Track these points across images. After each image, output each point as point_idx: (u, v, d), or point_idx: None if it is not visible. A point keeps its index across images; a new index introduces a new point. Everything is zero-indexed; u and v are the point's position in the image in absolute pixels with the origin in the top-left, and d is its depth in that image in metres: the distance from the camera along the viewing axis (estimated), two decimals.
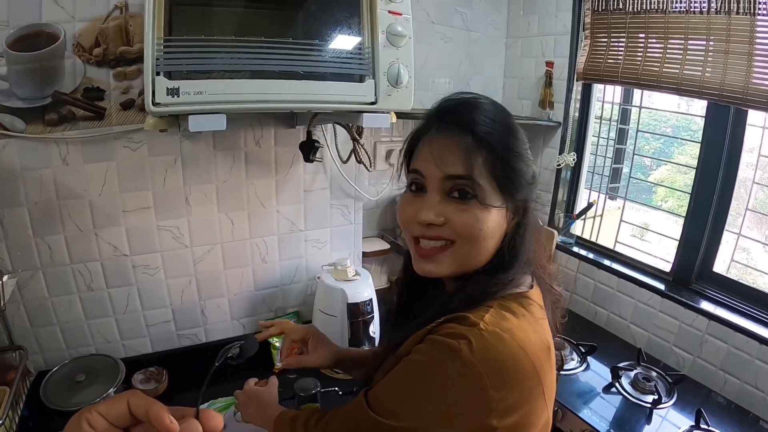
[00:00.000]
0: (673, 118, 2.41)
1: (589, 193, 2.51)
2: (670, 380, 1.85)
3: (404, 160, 0.99)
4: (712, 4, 1.74)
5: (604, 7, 2.11)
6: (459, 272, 0.93)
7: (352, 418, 0.92)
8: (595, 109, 2.40)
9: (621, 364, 1.91)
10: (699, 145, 1.99)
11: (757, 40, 1.66)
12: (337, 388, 1.67)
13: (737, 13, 1.68)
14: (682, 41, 1.86)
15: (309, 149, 1.74)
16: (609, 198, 2.46)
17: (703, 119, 1.96)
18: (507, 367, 0.77)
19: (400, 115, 1.45)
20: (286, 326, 1.44)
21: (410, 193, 0.95)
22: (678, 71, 1.87)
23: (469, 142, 0.87)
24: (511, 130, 0.92)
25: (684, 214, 2.07)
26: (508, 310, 0.85)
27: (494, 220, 0.88)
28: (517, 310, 0.86)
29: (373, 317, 1.84)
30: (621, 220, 2.39)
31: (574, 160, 2.38)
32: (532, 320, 0.87)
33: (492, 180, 0.88)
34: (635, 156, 2.35)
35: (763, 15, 1.63)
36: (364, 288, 1.82)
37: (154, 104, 1.10)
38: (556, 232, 2.35)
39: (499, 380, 0.76)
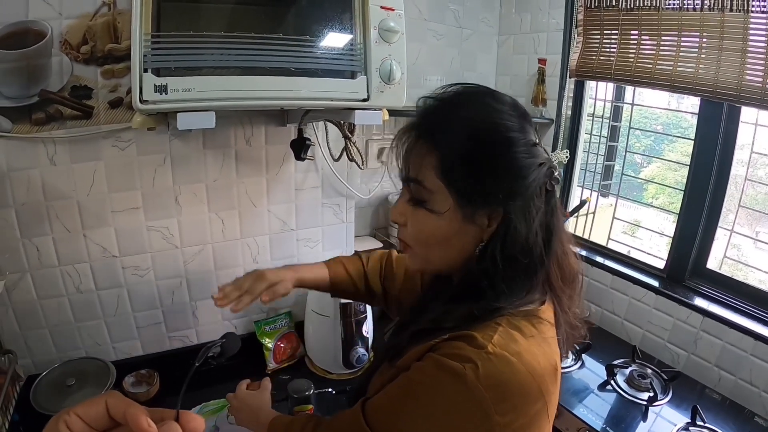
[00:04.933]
0: (664, 115, 2.41)
1: (582, 190, 2.50)
2: (665, 377, 1.85)
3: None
4: (706, 1, 1.74)
5: (596, 4, 2.11)
6: (430, 270, 0.97)
7: (347, 429, 0.91)
8: (587, 106, 2.40)
9: (616, 362, 1.91)
10: (689, 141, 2.00)
11: (751, 37, 1.66)
12: (330, 389, 1.66)
13: (731, 9, 1.69)
14: (676, 38, 1.86)
15: (300, 147, 1.72)
16: (601, 195, 2.46)
17: (696, 116, 1.96)
18: (514, 393, 0.75)
19: (393, 112, 1.44)
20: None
21: None
22: (671, 68, 1.87)
23: (412, 143, 0.88)
24: (479, 139, 0.85)
25: (674, 211, 2.08)
26: (517, 329, 0.82)
27: (443, 227, 0.87)
28: (526, 330, 0.83)
29: (366, 317, 1.82)
30: (613, 218, 2.38)
31: (567, 157, 2.38)
32: (542, 341, 0.84)
33: (441, 183, 0.85)
34: (627, 153, 2.34)
35: (757, 12, 1.63)
36: None
37: (142, 102, 1.08)
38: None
39: (504, 405, 0.74)
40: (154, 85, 1.07)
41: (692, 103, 1.99)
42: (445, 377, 0.75)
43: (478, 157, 0.84)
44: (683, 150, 2.13)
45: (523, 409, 0.76)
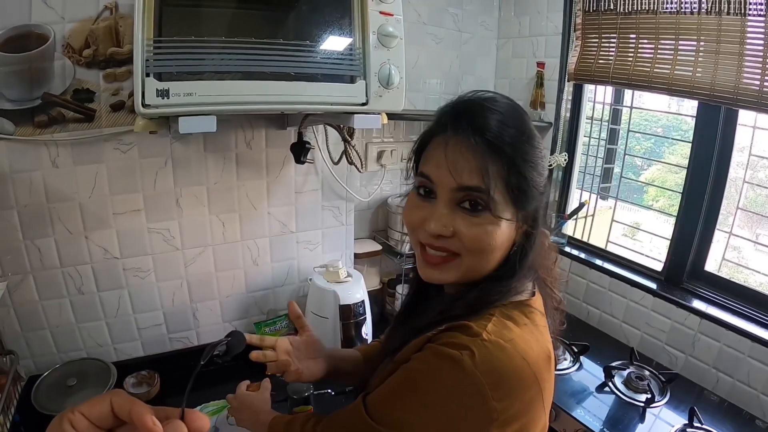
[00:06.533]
0: (664, 118, 2.41)
1: (581, 193, 2.51)
2: (663, 379, 1.85)
3: (414, 158, 0.96)
4: (703, 5, 1.75)
5: (595, 8, 2.12)
6: (464, 281, 0.91)
7: (349, 424, 0.91)
8: (586, 109, 2.41)
9: (614, 364, 1.91)
10: (688, 144, 2.00)
11: (748, 41, 1.67)
12: (330, 390, 1.66)
13: (728, 13, 1.69)
14: (673, 42, 1.87)
15: (300, 150, 1.74)
16: (600, 198, 2.46)
17: (694, 119, 1.96)
18: (509, 378, 0.76)
19: (392, 116, 1.45)
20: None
21: (418, 197, 0.91)
22: (669, 71, 1.88)
23: (483, 149, 0.82)
24: (528, 137, 0.87)
25: (675, 214, 2.08)
26: (510, 318, 0.84)
27: (504, 233, 0.86)
28: (519, 319, 0.85)
29: (365, 319, 1.83)
30: (612, 220, 2.39)
31: (565, 160, 2.39)
32: (534, 329, 0.86)
33: (505, 191, 0.84)
34: (626, 156, 2.35)
35: (754, 15, 1.64)
36: (356, 289, 1.82)
37: (144, 105, 1.09)
38: (548, 233, 2.34)
39: (500, 391, 0.75)
40: (156, 89, 1.09)
41: (692, 105, 1.99)
42: (443, 365, 0.77)
43: (536, 164, 0.87)
44: (683, 153, 2.13)
45: (519, 395, 0.78)
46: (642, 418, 1.66)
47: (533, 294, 0.94)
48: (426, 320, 0.91)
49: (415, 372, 0.81)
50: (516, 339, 0.80)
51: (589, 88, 2.38)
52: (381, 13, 1.27)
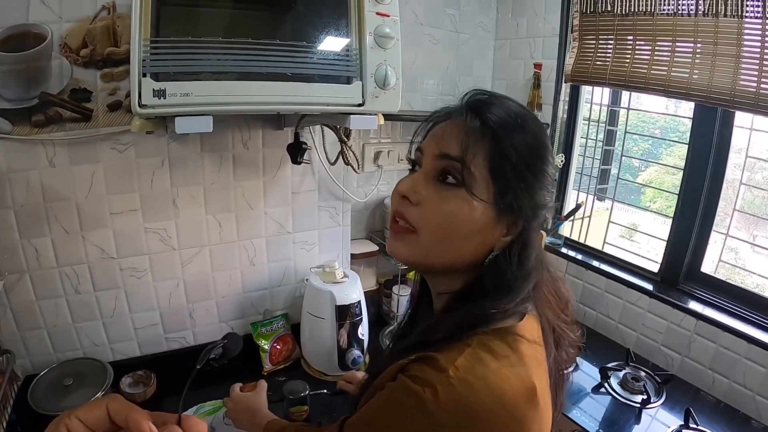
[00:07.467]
0: (662, 119, 2.42)
1: (578, 194, 2.51)
2: (659, 380, 1.85)
3: (418, 142, 0.92)
4: (700, 7, 1.75)
5: (592, 10, 2.12)
6: (421, 266, 0.89)
7: None
8: (583, 110, 2.41)
9: (610, 365, 1.92)
10: (686, 145, 2.00)
11: (745, 43, 1.67)
12: (326, 390, 1.66)
13: (725, 15, 1.69)
14: (670, 43, 1.87)
15: (297, 151, 1.74)
16: (597, 199, 2.46)
17: (691, 120, 1.97)
18: (476, 419, 0.70)
19: (388, 116, 1.45)
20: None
21: (409, 173, 0.91)
22: (666, 73, 1.88)
23: (475, 126, 0.81)
24: (535, 141, 0.84)
25: (671, 215, 2.08)
26: (488, 350, 0.76)
27: (475, 220, 0.81)
28: (499, 350, 0.77)
29: (361, 319, 1.83)
30: (609, 221, 2.39)
31: (562, 161, 2.39)
32: (516, 361, 0.77)
33: (488, 174, 0.80)
34: (623, 157, 2.35)
35: (751, 17, 1.64)
36: (353, 290, 1.82)
37: (141, 106, 1.09)
38: (544, 234, 2.34)
39: None
40: (153, 89, 1.09)
41: (689, 107, 1.99)
42: (408, 400, 0.72)
43: (532, 166, 0.83)
44: (681, 154, 2.13)
45: None
46: (638, 419, 1.66)
47: (521, 318, 0.85)
48: (407, 343, 0.88)
49: (385, 403, 0.77)
50: (489, 376, 0.73)
51: (586, 90, 2.38)
52: (378, 14, 1.28)
